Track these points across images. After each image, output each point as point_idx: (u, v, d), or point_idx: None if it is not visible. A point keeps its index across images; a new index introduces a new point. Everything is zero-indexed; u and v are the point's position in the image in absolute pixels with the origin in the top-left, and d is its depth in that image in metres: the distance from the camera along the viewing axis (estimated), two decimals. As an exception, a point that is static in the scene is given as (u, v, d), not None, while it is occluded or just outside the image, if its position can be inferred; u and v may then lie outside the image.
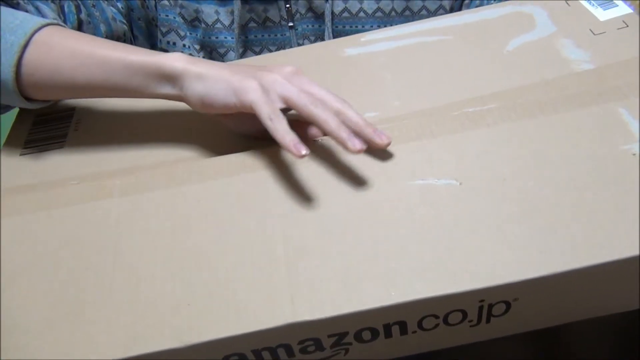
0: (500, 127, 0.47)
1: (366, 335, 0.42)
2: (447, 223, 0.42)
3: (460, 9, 0.70)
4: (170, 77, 0.47)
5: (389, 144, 0.45)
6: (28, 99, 0.51)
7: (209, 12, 0.64)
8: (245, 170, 0.48)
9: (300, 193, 0.45)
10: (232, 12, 0.64)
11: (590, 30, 0.53)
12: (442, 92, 0.51)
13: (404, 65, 0.54)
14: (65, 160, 0.53)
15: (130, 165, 0.51)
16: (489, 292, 0.39)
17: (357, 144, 0.43)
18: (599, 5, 0.55)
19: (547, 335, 0.57)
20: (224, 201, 0.46)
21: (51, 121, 0.57)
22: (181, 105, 0.49)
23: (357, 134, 0.45)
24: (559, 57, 0.52)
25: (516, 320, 0.44)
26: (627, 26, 0.52)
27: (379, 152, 0.46)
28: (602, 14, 0.54)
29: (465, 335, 0.44)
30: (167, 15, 0.65)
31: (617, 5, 0.54)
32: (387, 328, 0.41)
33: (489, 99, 0.49)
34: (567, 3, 0.56)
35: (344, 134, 0.43)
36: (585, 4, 0.55)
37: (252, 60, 0.62)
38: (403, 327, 0.41)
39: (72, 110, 0.58)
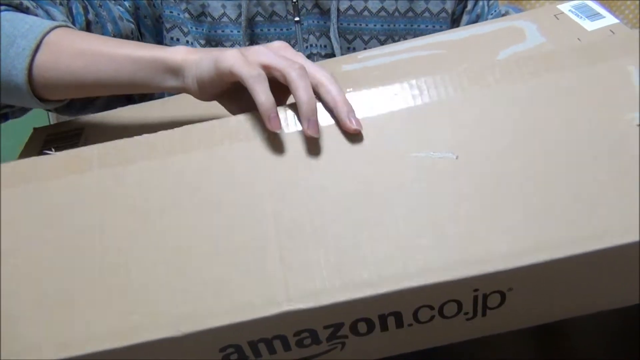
0: (502, 88, 0.45)
1: (362, 327, 0.42)
2: (441, 204, 0.41)
3: (462, 12, 0.73)
4: (173, 69, 0.49)
5: (357, 132, 0.44)
6: (42, 100, 0.53)
7: (216, 6, 0.67)
8: (231, 138, 0.46)
9: (291, 166, 0.44)
10: (239, 6, 0.66)
11: (578, 39, 0.55)
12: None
13: (397, 75, 0.56)
14: None
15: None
16: (483, 280, 0.39)
17: (312, 130, 0.43)
18: (586, 17, 0.57)
19: (547, 335, 0.56)
20: (210, 174, 0.45)
21: (62, 139, 0.60)
22: (186, 117, 0.51)
23: (332, 109, 0.45)
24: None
25: (512, 315, 0.43)
26: (614, 34, 0.54)
27: (372, 123, 0.45)
28: (590, 25, 0.56)
29: (462, 331, 0.44)
30: (171, 12, 0.67)
31: (604, 17, 0.56)
32: (383, 319, 0.41)
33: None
34: (556, 17, 0.58)
35: (309, 112, 0.43)
36: (573, 17, 0.58)
37: None
38: (398, 318, 0.41)
39: (81, 129, 0.60)
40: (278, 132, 0.44)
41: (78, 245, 0.43)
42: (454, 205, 0.41)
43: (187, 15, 0.67)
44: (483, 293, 0.41)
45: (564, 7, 0.59)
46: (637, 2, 0.56)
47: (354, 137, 0.45)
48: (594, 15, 0.57)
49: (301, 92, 0.43)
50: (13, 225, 0.44)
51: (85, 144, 0.58)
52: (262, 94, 0.43)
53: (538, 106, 0.44)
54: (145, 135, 0.47)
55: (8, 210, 0.45)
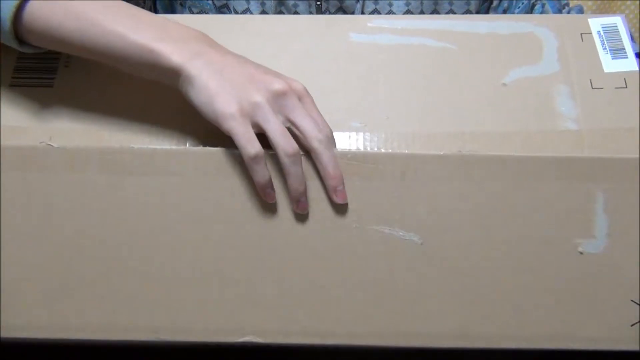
0: (480, 185, 0.48)
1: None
2: (396, 287, 0.48)
3: (487, 10, 0.67)
4: (166, 72, 0.47)
5: (342, 203, 0.48)
6: (22, 41, 0.51)
7: (240, 1, 0.63)
8: (226, 172, 0.48)
9: (278, 216, 0.49)
10: (262, 4, 0.64)
11: (590, 80, 0.53)
12: (429, 117, 0.52)
13: (401, 72, 0.54)
14: (54, 106, 0.53)
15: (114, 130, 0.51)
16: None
17: (300, 209, 0.47)
18: (610, 50, 0.54)
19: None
20: (200, 203, 0.49)
21: (37, 59, 0.55)
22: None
23: (322, 176, 0.48)
24: (549, 106, 0.52)
25: None
26: (626, 87, 0.52)
27: (356, 187, 0.49)
28: (609, 64, 0.53)
29: None
30: None
31: (627, 58, 0.53)
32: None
33: (469, 139, 0.51)
34: (582, 37, 0.54)
35: (298, 195, 0.47)
36: (598, 45, 0.54)
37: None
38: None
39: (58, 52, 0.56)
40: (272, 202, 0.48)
41: (71, 245, 0.49)
42: (404, 284, 0.48)
43: (211, 4, 0.63)
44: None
45: (594, 25, 0.55)
46: (638, 2, 0.52)
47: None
48: (618, 51, 0.53)
49: (292, 180, 0.46)
50: (10, 211, 0.49)
51: (67, 64, 0.55)
52: (259, 175, 0.46)
53: (506, 211, 0.48)
54: (145, 147, 0.49)
55: (5, 194, 0.49)
